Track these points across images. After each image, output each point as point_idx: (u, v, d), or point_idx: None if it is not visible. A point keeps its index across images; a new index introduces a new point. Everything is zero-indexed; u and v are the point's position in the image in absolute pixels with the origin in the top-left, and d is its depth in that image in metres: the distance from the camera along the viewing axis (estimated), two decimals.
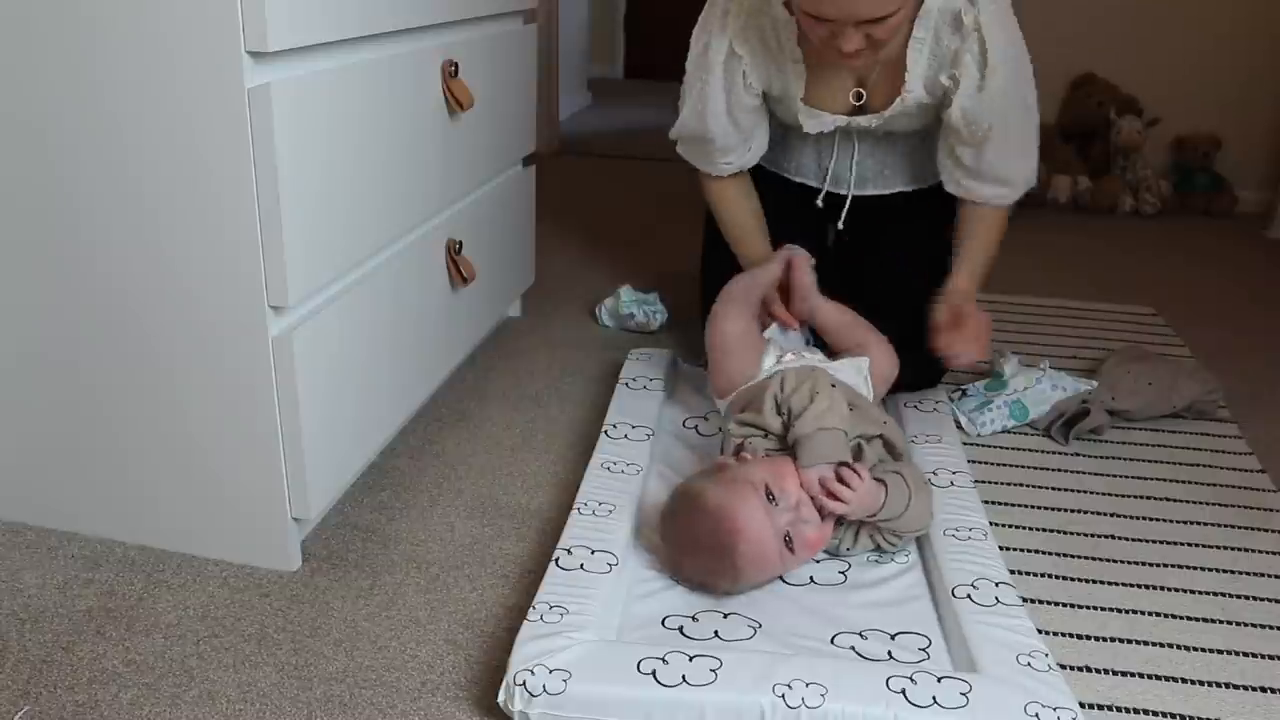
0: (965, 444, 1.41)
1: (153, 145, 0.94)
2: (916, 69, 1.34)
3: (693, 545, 1.04)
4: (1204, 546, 1.22)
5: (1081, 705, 0.90)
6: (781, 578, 1.09)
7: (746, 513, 1.01)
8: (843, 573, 1.11)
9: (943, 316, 1.35)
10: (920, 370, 1.48)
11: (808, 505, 1.04)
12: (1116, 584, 1.15)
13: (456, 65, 1.32)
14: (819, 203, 1.58)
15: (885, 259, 1.53)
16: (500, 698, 0.89)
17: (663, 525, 1.09)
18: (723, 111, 1.44)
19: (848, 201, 1.56)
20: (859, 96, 1.40)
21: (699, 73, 1.44)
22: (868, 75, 1.39)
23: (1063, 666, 0.98)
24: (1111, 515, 1.28)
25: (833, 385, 1.16)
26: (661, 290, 1.93)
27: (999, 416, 1.47)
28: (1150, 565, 1.18)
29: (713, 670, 0.88)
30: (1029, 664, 0.91)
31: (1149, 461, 1.42)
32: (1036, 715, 0.85)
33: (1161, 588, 1.14)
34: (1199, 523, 1.28)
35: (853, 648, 0.98)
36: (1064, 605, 1.10)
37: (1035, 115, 1.40)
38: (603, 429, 1.35)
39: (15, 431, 1.12)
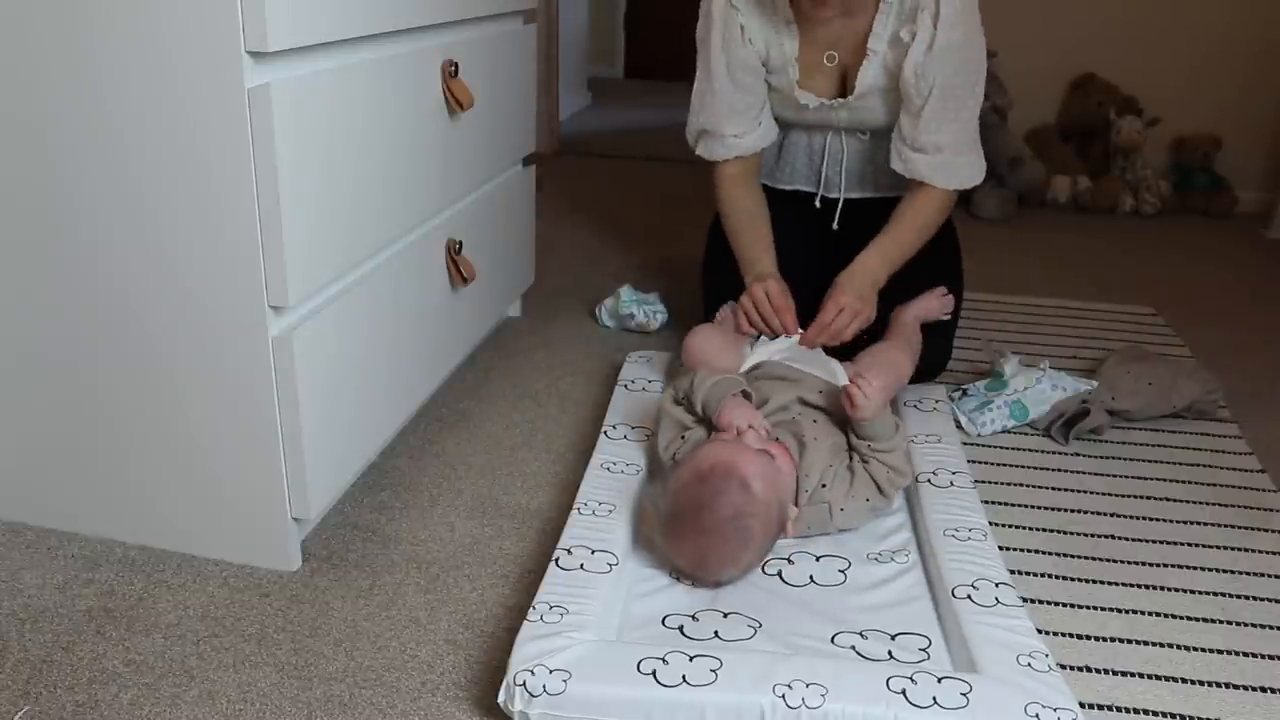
0: (965, 444, 1.41)
1: (153, 145, 0.94)
2: (882, 31, 1.41)
3: (706, 507, 1.02)
4: (1204, 546, 1.22)
5: (1081, 705, 0.90)
6: (781, 578, 1.09)
7: (722, 448, 1.06)
8: (843, 572, 1.11)
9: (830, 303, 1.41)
10: (926, 359, 1.50)
11: (751, 432, 1.11)
12: (1116, 584, 1.15)
13: (456, 65, 1.32)
14: (816, 204, 1.63)
15: None
16: (500, 698, 0.89)
17: (669, 527, 1.06)
18: (723, 70, 1.48)
19: (839, 204, 1.62)
20: (831, 59, 1.46)
21: (704, 36, 1.50)
22: (846, 41, 1.45)
23: (1063, 666, 0.98)
24: (1111, 515, 1.29)
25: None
26: (662, 290, 1.93)
27: (999, 416, 1.47)
28: (1150, 565, 1.18)
29: (713, 670, 0.88)
30: (1029, 664, 0.91)
31: (1149, 461, 1.42)
32: (1036, 715, 0.85)
33: (1161, 588, 1.14)
34: (1199, 523, 1.28)
35: (853, 648, 0.98)
36: (1064, 605, 1.10)
37: (977, 104, 1.44)
38: (602, 429, 1.35)
39: (15, 431, 1.12)
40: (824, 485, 1.13)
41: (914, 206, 1.48)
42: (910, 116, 1.43)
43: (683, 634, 0.99)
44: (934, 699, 0.86)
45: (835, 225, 1.62)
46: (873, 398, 1.14)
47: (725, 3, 1.45)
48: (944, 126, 1.42)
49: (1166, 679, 1.00)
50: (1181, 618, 1.09)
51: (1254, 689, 0.99)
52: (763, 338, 1.43)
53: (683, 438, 1.19)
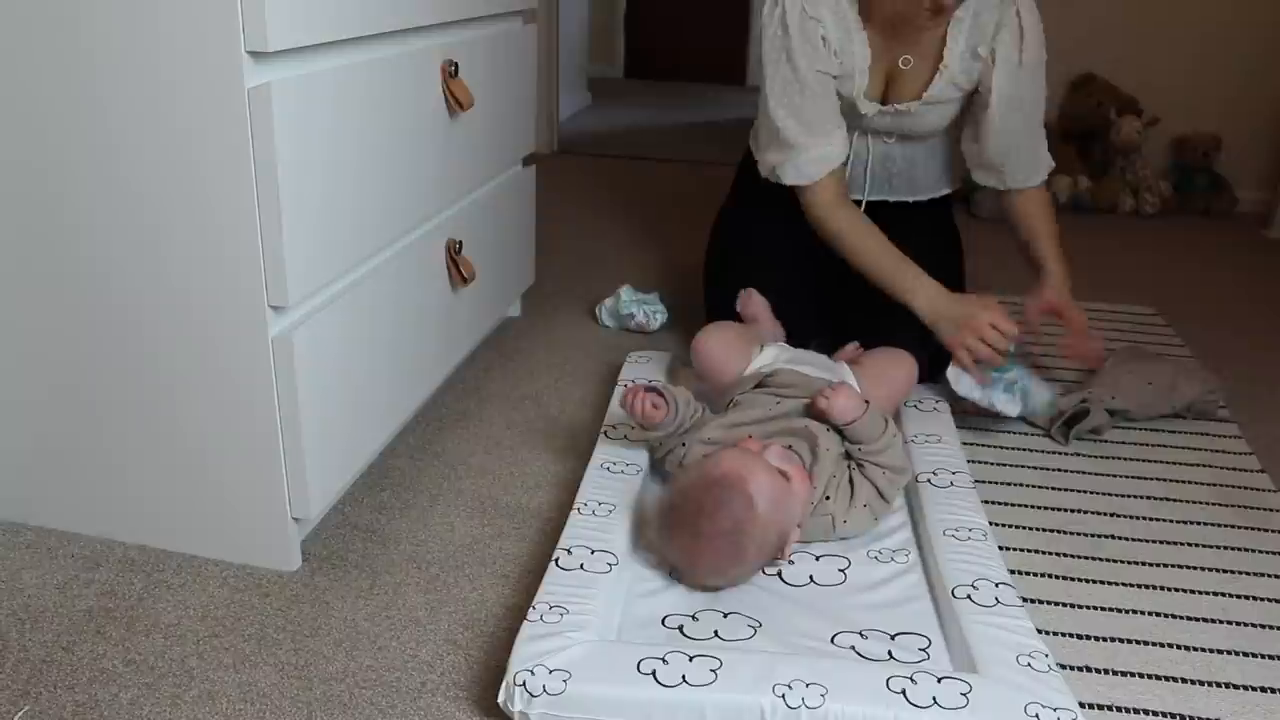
0: (965, 444, 1.41)
1: (153, 145, 0.94)
2: (955, 47, 1.44)
3: (706, 515, 1.01)
4: (1204, 546, 1.22)
5: (1081, 705, 0.90)
6: (781, 578, 1.09)
7: (736, 458, 1.06)
8: (843, 571, 1.11)
9: (1041, 308, 1.49)
10: (928, 356, 1.51)
11: (775, 445, 1.11)
12: (1116, 584, 1.15)
13: (456, 65, 1.32)
14: None
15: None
16: (500, 698, 0.89)
17: (668, 526, 1.06)
18: (812, 80, 1.43)
19: (862, 205, 1.60)
20: (907, 62, 1.47)
21: (778, 49, 1.44)
22: (915, 49, 1.47)
23: (1063, 666, 0.98)
24: (1111, 515, 1.29)
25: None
26: (662, 290, 1.93)
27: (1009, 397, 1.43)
28: (1150, 565, 1.18)
29: (713, 670, 0.89)
30: (1029, 664, 0.91)
31: (1149, 461, 1.42)
32: (1036, 715, 0.85)
33: (1161, 588, 1.14)
34: (1199, 523, 1.28)
35: (853, 648, 0.98)
36: (1064, 605, 1.10)
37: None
38: (602, 429, 1.35)
39: (15, 431, 1.12)
40: (827, 497, 1.13)
41: (1038, 207, 1.58)
42: (1004, 134, 1.48)
43: (683, 634, 0.99)
44: (934, 699, 0.86)
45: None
46: (835, 399, 1.15)
47: (801, 14, 1.41)
48: (1039, 132, 1.53)
49: (1166, 679, 1.00)
50: (1181, 618, 1.09)
51: (1254, 689, 0.99)
52: (769, 343, 1.42)
53: (683, 444, 1.19)
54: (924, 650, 0.98)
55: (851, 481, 1.15)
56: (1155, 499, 1.33)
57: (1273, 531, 1.26)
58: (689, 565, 1.05)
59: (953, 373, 1.42)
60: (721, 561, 1.03)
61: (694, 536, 1.03)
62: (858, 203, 1.60)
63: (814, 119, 1.45)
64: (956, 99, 1.49)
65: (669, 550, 1.07)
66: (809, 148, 1.46)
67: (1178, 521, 1.28)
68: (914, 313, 1.43)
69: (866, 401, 1.17)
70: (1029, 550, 1.20)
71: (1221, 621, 1.09)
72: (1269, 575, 1.17)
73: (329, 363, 1.09)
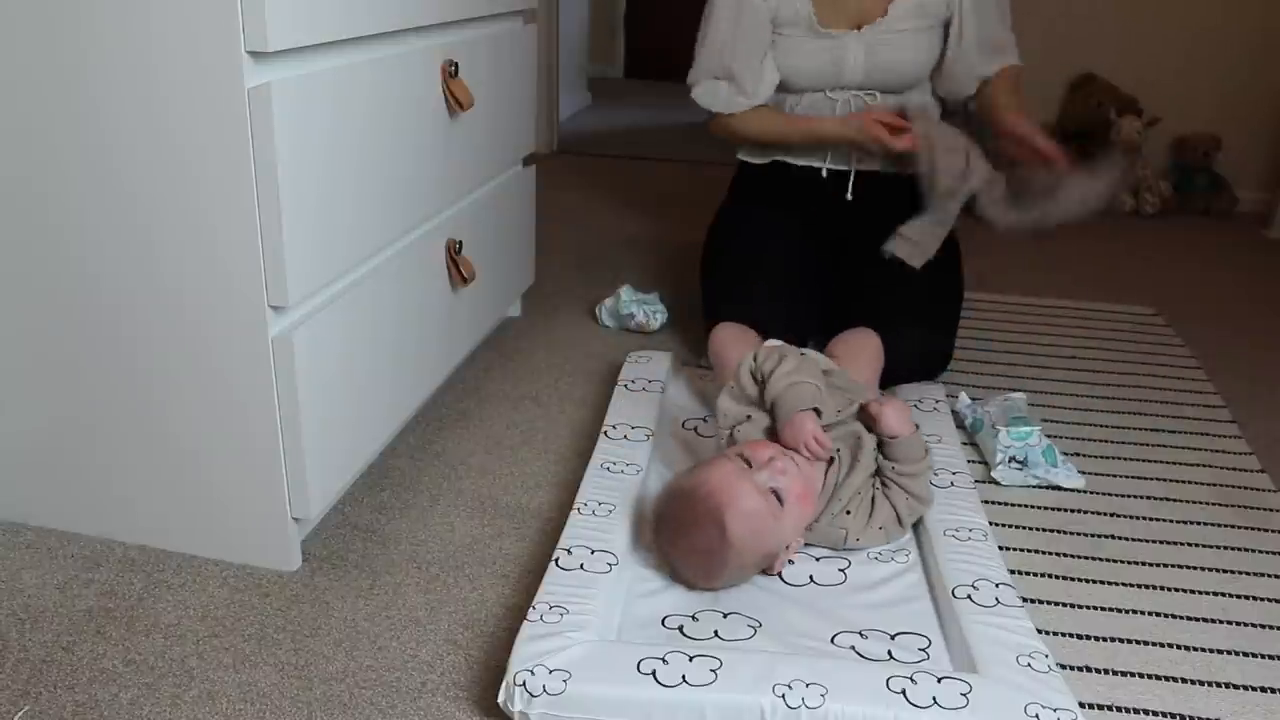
0: (964, 444, 1.41)
1: (153, 145, 0.94)
2: None
3: (684, 529, 1.03)
4: (1204, 546, 1.22)
5: (1081, 705, 0.90)
6: (782, 578, 1.09)
7: (723, 477, 1.03)
8: (843, 571, 1.11)
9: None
10: (926, 353, 1.49)
11: (782, 458, 1.06)
12: (1116, 584, 1.15)
13: (456, 65, 1.32)
14: (823, 174, 1.64)
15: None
16: (500, 698, 0.89)
17: (656, 526, 1.09)
18: (730, 17, 1.54)
19: (851, 175, 1.62)
20: None
21: None
22: None
23: (1063, 666, 0.98)
24: (1111, 515, 1.29)
25: (803, 354, 1.20)
26: (661, 290, 1.93)
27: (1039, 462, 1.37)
28: (1150, 565, 1.18)
29: (713, 670, 0.89)
30: (1029, 664, 0.91)
31: (1149, 461, 1.42)
32: (1036, 715, 0.85)
33: (1161, 588, 1.14)
34: (1199, 523, 1.28)
35: (853, 648, 0.98)
36: (1064, 605, 1.10)
37: None
38: (602, 429, 1.35)
39: (15, 432, 1.12)
40: (848, 512, 1.12)
41: (1006, 82, 1.58)
42: (985, 22, 1.54)
43: (683, 634, 0.99)
44: (934, 699, 0.86)
45: (849, 196, 1.63)
46: (887, 410, 1.13)
47: None
48: (1004, 24, 1.58)
49: (1166, 679, 1.00)
50: (1181, 618, 1.09)
51: (1254, 689, 0.99)
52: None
53: (749, 417, 1.17)
54: (924, 650, 0.98)
55: (873, 501, 1.14)
56: (1155, 499, 1.33)
57: (1273, 531, 1.26)
58: (676, 567, 1.07)
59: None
60: (699, 572, 1.05)
61: (674, 545, 1.05)
62: (844, 172, 1.62)
63: (737, 59, 1.56)
64: (928, 27, 1.52)
65: (659, 545, 1.08)
66: (724, 83, 1.58)
67: (1178, 521, 1.28)
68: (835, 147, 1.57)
69: (917, 425, 1.17)
70: (1029, 550, 1.20)
71: (1221, 621, 1.09)
72: (1269, 575, 1.17)
73: (329, 363, 1.09)
